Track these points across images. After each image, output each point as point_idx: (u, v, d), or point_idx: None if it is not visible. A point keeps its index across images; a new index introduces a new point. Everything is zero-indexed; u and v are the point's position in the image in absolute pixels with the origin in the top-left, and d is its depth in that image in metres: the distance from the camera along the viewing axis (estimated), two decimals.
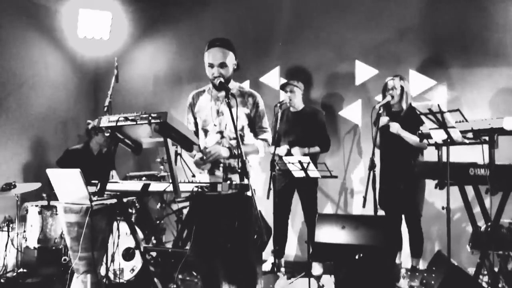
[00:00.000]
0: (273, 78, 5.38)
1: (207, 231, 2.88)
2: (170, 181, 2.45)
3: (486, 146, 2.59)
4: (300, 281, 4.13)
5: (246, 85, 4.04)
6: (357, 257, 3.34)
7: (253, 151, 2.94)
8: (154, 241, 4.15)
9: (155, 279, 2.79)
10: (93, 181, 2.73)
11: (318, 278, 4.25)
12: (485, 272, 3.30)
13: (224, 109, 2.91)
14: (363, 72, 5.02)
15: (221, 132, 2.90)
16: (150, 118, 2.40)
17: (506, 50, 4.46)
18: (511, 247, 2.73)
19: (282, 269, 4.54)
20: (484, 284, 3.18)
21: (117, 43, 5.82)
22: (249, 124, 2.95)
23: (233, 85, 2.97)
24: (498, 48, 4.50)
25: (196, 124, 3.02)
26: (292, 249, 5.15)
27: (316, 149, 4.53)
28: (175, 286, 3.56)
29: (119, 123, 2.49)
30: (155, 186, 2.63)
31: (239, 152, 2.48)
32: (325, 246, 3.62)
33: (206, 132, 2.99)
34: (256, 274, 3.19)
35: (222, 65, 2.83)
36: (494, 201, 2.74)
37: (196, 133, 3.00)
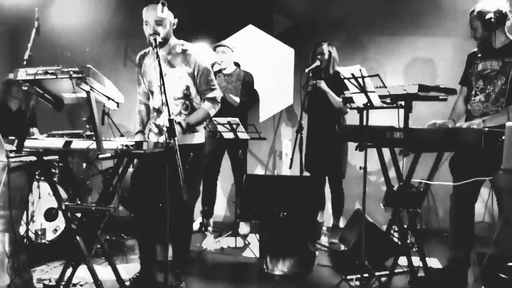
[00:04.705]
0: None
1: (139, 189, 2.91)
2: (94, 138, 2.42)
3: (402, 111, 2.75)
4: (227, 240, 4.24)
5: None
6: (281, 215, 3.49)
7: (204, 116, 2.96)
8: (79, 202, 4.05)
9: (78, 238, 2.74)
10: (10, 138, 2.63)
11: (244, 237, 4.38)
12: (396, 228, 3.59)
13: (167, 70, 2.89)
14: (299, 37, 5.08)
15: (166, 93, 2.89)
16: (71, 72, 2.33)
17: (426, 21, 4.72)
18: (419, 205, 2.96)
19: (210, 229, 4.63)
20: (394, 239, 3.46)
21: None
22: (195, 84, 2.95)
23: (175, 43, 2.94)
24: (419, 19, 4.75)
25: (145, 85, 3.06)
26: (221, 210, 5.25)
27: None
28: (99, 246, 3.52)
29: (37, 77, 2.39)
30: (77, 143, 2.57)
31: (168, 110, 2.45)
32: (252, 206, 3.73)
33: (152, 93, 3.02)
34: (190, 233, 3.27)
35: (158, 22, 2.79)
36: (407, 163, 2.94)
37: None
